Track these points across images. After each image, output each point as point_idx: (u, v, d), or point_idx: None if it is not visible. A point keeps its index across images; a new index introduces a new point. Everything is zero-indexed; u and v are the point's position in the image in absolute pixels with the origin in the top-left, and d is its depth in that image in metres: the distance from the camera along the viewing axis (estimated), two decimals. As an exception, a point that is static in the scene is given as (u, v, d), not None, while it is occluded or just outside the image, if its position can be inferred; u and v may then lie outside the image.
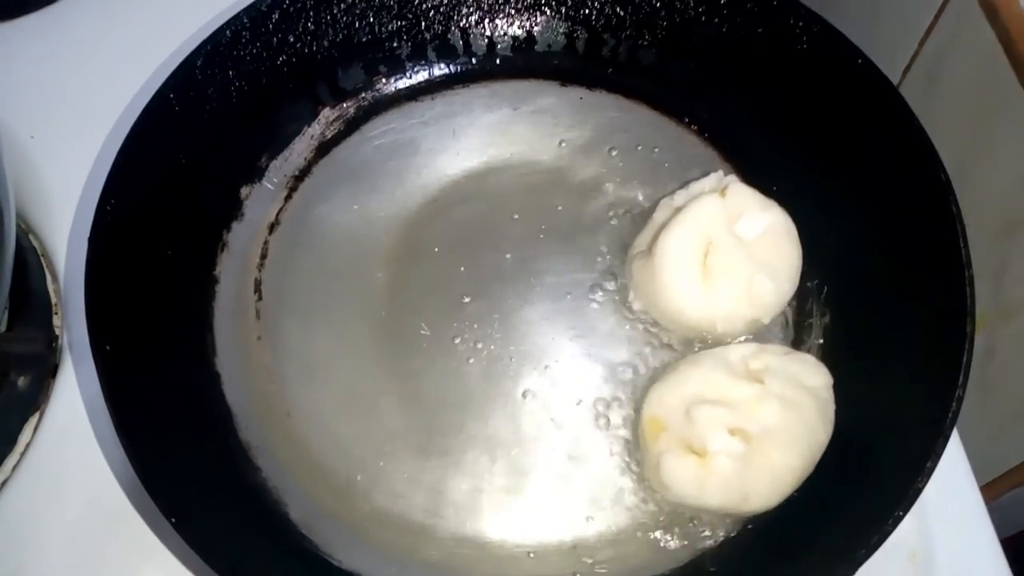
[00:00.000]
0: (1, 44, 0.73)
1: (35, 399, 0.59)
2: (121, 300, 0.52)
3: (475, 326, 0.59)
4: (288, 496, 0.53)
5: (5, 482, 0.57)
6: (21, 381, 0.60)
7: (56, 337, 0.61)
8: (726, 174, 0.60)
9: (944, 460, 0.47)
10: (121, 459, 0.57)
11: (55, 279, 0.64)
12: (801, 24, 0.60)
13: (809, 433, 0.49)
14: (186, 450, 0.51)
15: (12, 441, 0.58)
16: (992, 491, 0.69)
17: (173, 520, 0.45)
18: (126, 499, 0.56)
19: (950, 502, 0.57)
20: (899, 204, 0.56)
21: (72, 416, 0.59)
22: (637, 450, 0.54)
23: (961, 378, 0.48)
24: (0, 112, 0.55)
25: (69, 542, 0.56)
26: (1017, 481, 0.68)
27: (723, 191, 0.56)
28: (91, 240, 0.52)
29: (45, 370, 0.60)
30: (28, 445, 0.58)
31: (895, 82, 0.76)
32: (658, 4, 0.65)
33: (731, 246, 0.54)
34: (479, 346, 0.58)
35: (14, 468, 0.58)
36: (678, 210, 0.56)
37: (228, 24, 0.60)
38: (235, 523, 0.49)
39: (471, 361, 0.58)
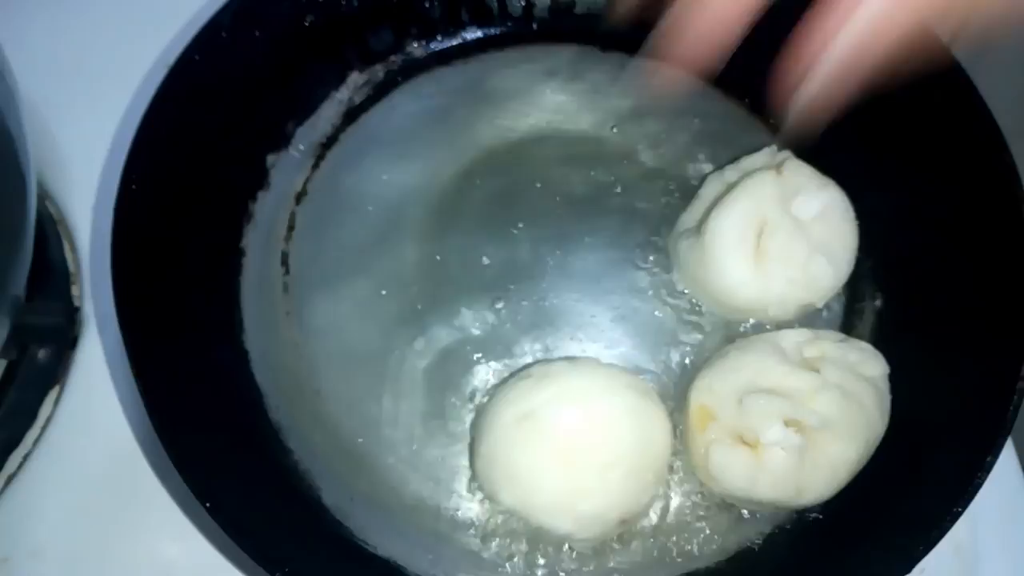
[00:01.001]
0: (16, 5, 0.70)
1: (55, 372, 0.58)
2: (148, 274, 0.50)
3: (512, 304, 0.57)
4: (320, 480, 0.52)
5: (27, 456, 0.56)
6: (41, 354, 0.58)
7: (76, 309, 0.60)
8: (778, 147, 0.57)
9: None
10: (142, 435, 0.56)
11: (73, 248, 0.63)
12: (859, -10, 0.57)
13: (868, 426, 0.47)
14: (217, 431, 0.49)
15: (33, 415, 0.57)
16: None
17: (207, 505, 0.43)
18: (148, 472, 0.55)
19: (997, 492, 0.55)
20: (958, 184, 0.54)
21: (92, 389, 0.58)
22: (679, 438, 0.52)
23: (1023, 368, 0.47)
24: (16, 75, 0.52)
25: (91, 516, 0.55)
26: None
27: (779, 168, 0.53)
28: (116, 212, 0.49)
29: (65, 342, 0.59)
30: (49, 419, 0.57)
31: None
32: (705, -34, 0.62)
33: (787, 226, 0.51)
34: (516, 321, 0.56)
35: (35, 442, 0.57)
36: (730, 186, 0.53)
37: (255, -19, 0.57)
38: (268, 507, 0.48)
39: (508, 336, 0.56)
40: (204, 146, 0.56)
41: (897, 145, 0.57)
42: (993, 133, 0.52)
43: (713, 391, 0.49)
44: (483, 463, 0.49)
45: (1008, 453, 0.57)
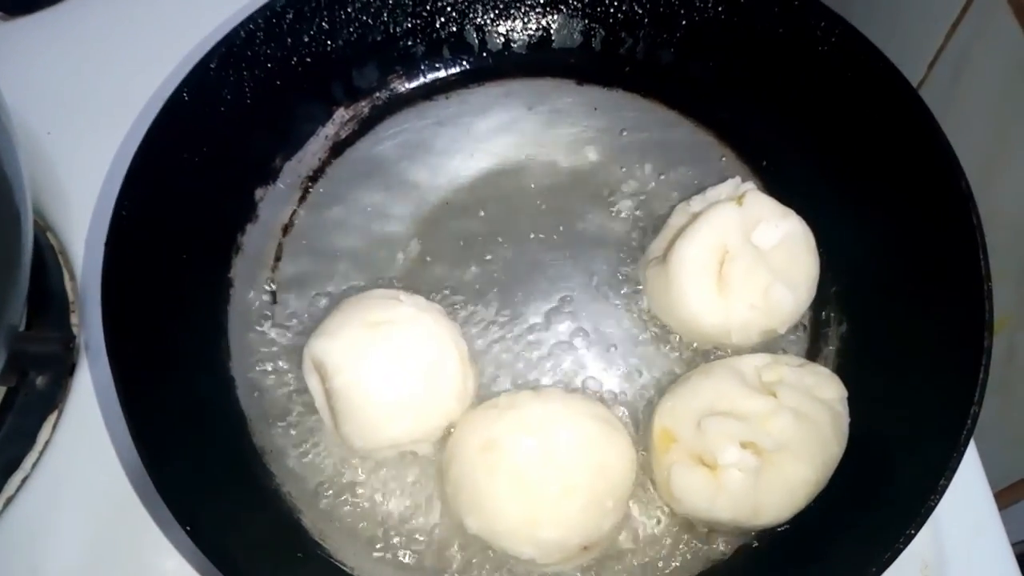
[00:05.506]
0: (18, 40, 0.73)
1: (53, 398, 0.60)
2: (138, 305, 0.52)
3: (489, 328, 0.59)
4: (301, 503, 0.54)
5: (25, 479, 0.58)
6: (40, 380, 0.60)
7: (74, 337, 0.62)
8: (743, 177, 0.59)
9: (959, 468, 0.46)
10: (134, 460, 0.57)
11: (72, 277, 0.65)
12: (823, 25, 0.59)
13: (823, 447, 0.49)
14: (201, 455, 0.51)
15: (32, 439, 0.59)
16: (1008, 497, 0.68)
17: (188, 528, 0.45)
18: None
19: (964, 512, 0.56)
20: (919, 212, 0.55)
21: (89, 414, 0.60)
22: (645, 459, 0.53)
23: (978, 394, 0.48)
24: (16, 109, 0.55)
25: (86, 538, 0.56)
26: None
27: (740, 199, 0.55)
28: (108, 244, 0.52)
29: (63, 369, 0.61)
30: (47, 443, 0.59)
31: (920, 77, 0.74)
32: (677, 2, 0.64)
33: (748, 255, 0.53)
34: (492, 349, 0.58)
35: (33, 465, 0.58)
36: (694, 216, 0.55)
37: (243, 24, 0.59)
38: (249, 529, 0.50)
39: (483, 364, 0.57)
40: (196, 181, 0.58)
41: (862, 177, 0.59)
42: (951, 165, 0.53)
43: (675, 414, 0.51)
44: (451, 489, 0.50)
45: (976, 473, 0.58)
